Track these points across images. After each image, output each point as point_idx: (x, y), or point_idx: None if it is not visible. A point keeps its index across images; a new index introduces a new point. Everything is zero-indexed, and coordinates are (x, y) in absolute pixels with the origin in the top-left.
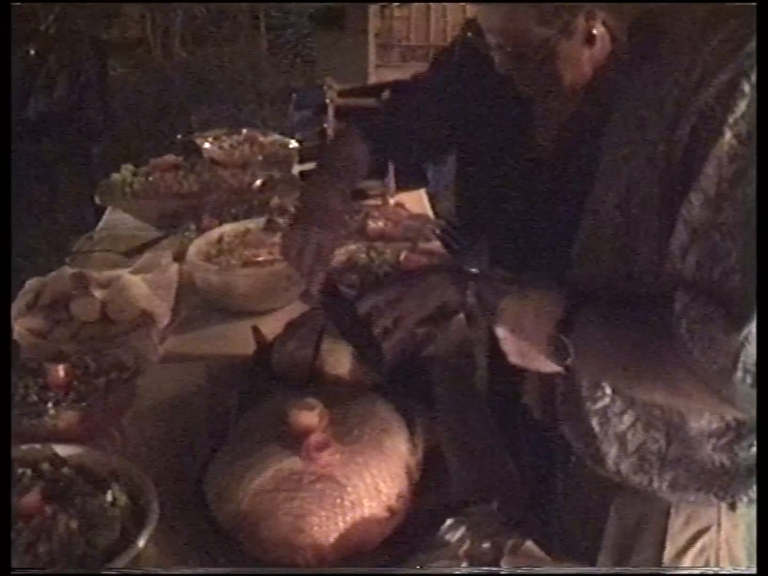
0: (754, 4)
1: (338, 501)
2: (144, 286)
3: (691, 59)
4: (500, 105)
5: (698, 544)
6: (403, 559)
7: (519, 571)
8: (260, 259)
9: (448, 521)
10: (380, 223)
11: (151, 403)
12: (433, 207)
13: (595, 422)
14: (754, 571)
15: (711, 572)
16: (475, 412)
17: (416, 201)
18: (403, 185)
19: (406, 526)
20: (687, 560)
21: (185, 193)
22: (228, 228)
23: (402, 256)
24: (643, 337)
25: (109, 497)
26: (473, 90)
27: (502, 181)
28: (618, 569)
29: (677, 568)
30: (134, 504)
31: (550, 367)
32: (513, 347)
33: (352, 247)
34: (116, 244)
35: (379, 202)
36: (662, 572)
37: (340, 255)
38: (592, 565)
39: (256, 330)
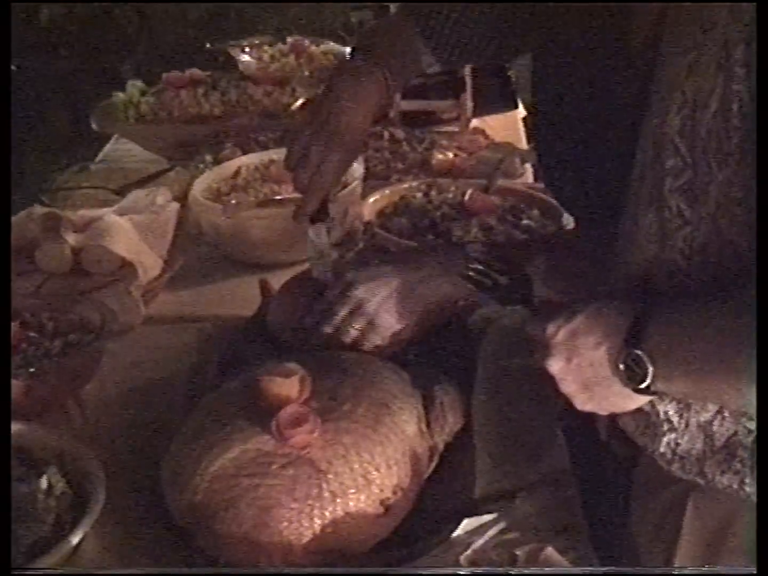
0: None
1: (315, 491)
2: (130, 231)
3: None
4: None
5: None
6: (398, 564)
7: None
8: (281, 197)
9: (465, 523)
10: (450, 154)
11: (123, 373)
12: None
13: (672, 410)
14: (754, 571)
15: (711, 572)
16: (527, 390)
17: (507, 126)
18: (486, 107)
19: (408, 527)
20: None
21: (205, 115)
22: (248, 159)
23: (468, 195)
24: None
25: (43, 484)
26: None
27: (586, 93)
28: (618, 569)
29: (675, 567)
30: (75, 493)
31: (627, 399)
32: (575, 384)
33: (407, 184)
34: (109, 180)
35: (455, 128)
36: (660, 572)
37: (390, 194)
38: None
39: (264, 285)
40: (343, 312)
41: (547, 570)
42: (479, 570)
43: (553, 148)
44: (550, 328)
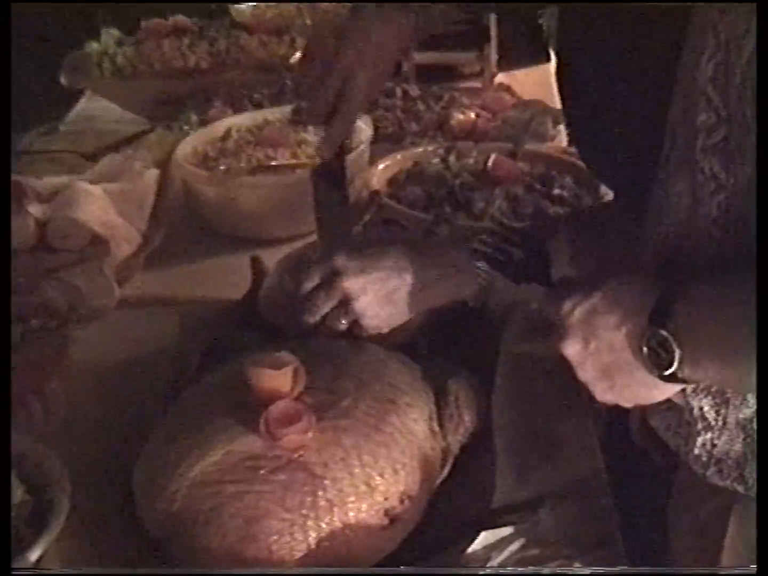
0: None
1: (310, 499)
2: (103, 201)
3: None
4: None
5: None
6: None
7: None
8: (277, 162)
9: (482, 536)
10: (471, 114)
11: (93, 364)
12: None
13: (707, 405)
14: (754, 571)
15: (711, 572)
16: (553, 384)
17: (537, 82)
18: (514, 60)
19: (417, 541)
20: None
21: (191, 69)
22: (239, 119)
23: (491, 161)
24: None
25: None
26: None
27: (617, 43)
28: (618, 569)
29: (674, 568)
30: (37, 501)
31: (652, 388)
32: (593, 370)
33: (422, 148)
34: (80, 143)
35: (477, 84)
36: (661, 572)
37: (403, 159)
38: None
39: (256, 263)
40: (326, 305)
41: (553, 570)
42: (481, 571)
43: (581, 106)
44: (566, 306)
